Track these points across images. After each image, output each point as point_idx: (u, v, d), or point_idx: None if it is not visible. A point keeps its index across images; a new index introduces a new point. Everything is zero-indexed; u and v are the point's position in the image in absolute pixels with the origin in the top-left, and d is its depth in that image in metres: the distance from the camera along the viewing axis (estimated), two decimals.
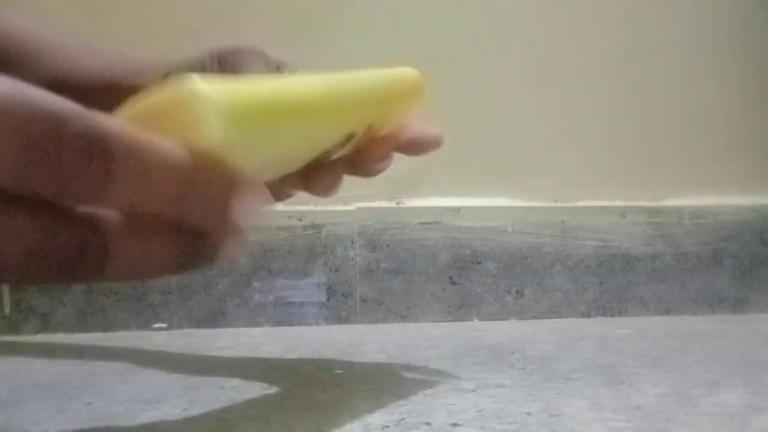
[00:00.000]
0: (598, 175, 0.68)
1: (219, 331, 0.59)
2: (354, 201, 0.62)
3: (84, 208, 0.19)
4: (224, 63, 0.34)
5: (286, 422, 0.31)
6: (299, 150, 0.29)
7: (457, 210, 0.63)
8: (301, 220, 0.61)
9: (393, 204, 0.64)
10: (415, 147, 0.37)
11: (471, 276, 0.63)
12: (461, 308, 0.63)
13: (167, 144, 0.20)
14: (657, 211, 0.67)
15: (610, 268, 0.65)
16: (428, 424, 0.30)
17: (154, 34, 0.58)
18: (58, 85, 0.21)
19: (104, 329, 0.58)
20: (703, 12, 0.69)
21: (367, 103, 0.31)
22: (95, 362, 0.46)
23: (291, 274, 0.61)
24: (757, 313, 0.66)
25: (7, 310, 0.57)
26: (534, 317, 0.64)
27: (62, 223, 0.20)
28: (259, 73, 0.33)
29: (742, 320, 0.64)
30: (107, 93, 0.29)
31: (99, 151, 0.18)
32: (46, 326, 0.57)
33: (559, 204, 0.66)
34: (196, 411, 0.33)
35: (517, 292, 0.64)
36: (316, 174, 0.35)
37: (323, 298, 0.61)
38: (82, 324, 0.58)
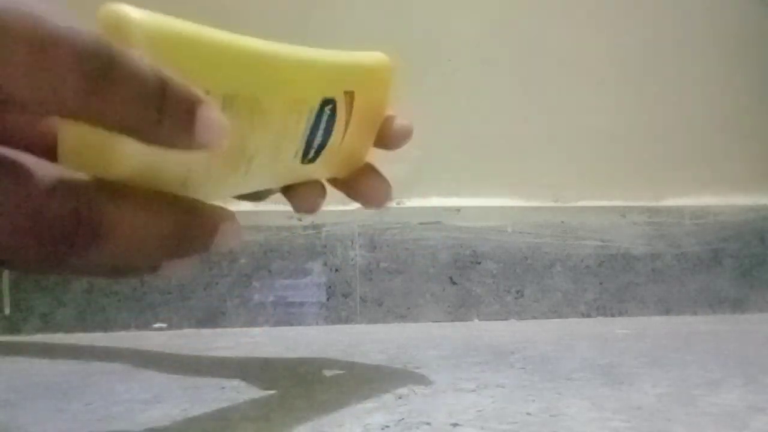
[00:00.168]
0: (598, 175, 0.68)
1: (219, 331, 0.59)
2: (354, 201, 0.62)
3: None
4: None
5: (286, 422, 0.31)
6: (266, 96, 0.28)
7: (457, 210, 0.63)
8: (301, 220, 0.61)
9: (393, 204, 0.64)
10: (387, 140, 0.36)
11: (471, 276, 0.63)
12: (461, 308, 0.63)
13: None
14: (657, 211, 0.67)
15: (610, 268, 0.65)
16: (428, 424, 0.30)
17: None
18: None
19: (104, 329, 0.58)
20: (703, 12, 0.69)
21: (324, 66, 0.31)
22: (95, 362, 0.46)
23: (291, 274, 0.61)
24: (757, 313, 0.66)
25: (7, 310, 0.57)
26: (534, 317, 0.64)
27: (57, 191, 0.20)
28: None
29: (742, 320, 0.64)
30: None
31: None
32: (46, 326, 0.57)
33: (559, 204, 0.66)
34: (196, 411, 0.33)
35: (517, 292, 0.64)
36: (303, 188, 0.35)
37: (323, 298, 0.61)
38: (82, 324, 0.58)
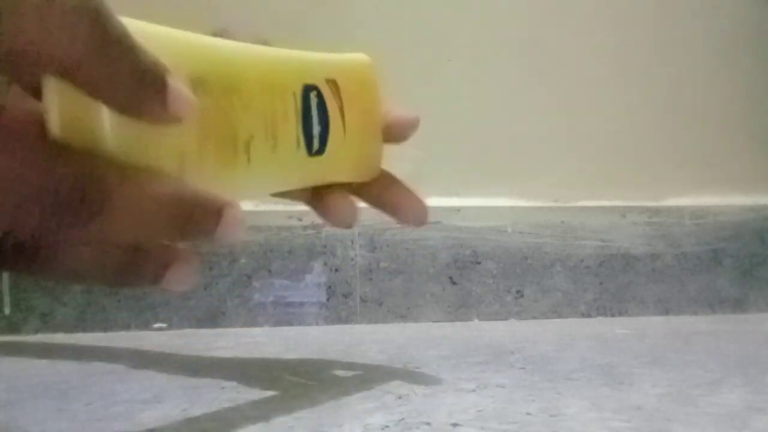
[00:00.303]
0: (598, 175, 0.68)
1: (219, 331, 0.59)
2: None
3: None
4: None
5: (286, 422, 0.31)
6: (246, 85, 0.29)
7: (457, 210, 0.63)
8: (301, 220, 0.61)
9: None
10: (394, 132, 0.36)
11: (471, 276, 0.63)
12: (461, 308, 0.63)
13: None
14: (657, 211, 0.67)
15: (610, 268, 0.65)
16: (428, 424, 0.30)
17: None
18: None
19: (104, 329, 0.58)
20: (703, 12, 0.69)
21: (300, 57, 0.32)
22: (95, 362, 0.46)
23: (291, 274, 0.61)
24: (756, 313, 0.66)
25: (7, 310, 0.57)
26: (534, 317, 0.64)
27: (64, 160, 0.20)
28: None
29: (741, 320, 0.64)
30: None
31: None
32: (46, 326, 0.57)
33: (559, 204, 0.66)
34: (195, 411, 0.33)
35: (517, 292, 0.64)
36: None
37: (323, 298, 0.61)
38: (82, 324, 0.58)
